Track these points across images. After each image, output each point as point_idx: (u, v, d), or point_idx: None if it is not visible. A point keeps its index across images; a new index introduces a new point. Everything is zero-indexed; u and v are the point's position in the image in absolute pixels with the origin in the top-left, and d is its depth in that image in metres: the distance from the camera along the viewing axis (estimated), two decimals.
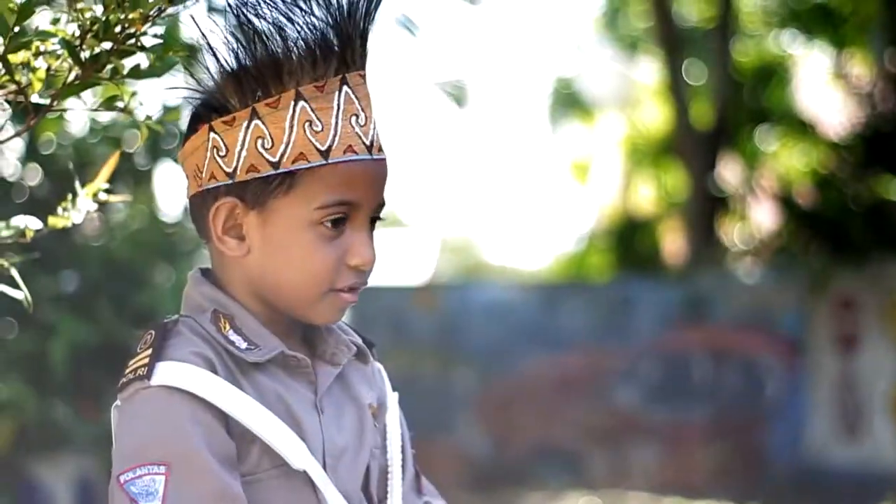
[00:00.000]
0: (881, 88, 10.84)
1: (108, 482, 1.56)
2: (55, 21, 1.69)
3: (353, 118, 1.61)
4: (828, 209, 10.23)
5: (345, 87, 1.61)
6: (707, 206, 11.63)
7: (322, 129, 1.59)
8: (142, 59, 1.70)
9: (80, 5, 1.64)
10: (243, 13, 1.60)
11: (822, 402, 9.73)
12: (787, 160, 12.39)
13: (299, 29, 1.60)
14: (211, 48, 1.61)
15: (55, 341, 5.82)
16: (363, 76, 1.64)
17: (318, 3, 1.60)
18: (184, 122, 1.69)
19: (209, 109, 1.63)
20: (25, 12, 1.62)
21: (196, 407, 1.54)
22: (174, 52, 1.68)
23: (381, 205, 1.66)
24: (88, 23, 1.64)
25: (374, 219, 1.66)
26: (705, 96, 12.57)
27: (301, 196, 1.60)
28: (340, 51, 1.61)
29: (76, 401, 5.99)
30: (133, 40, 1.65)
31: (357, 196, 1.62)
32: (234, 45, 1.61)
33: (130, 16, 1.62)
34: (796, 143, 12.25)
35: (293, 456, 1.59)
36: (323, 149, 1.59)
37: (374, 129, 1.64)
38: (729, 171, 12.29)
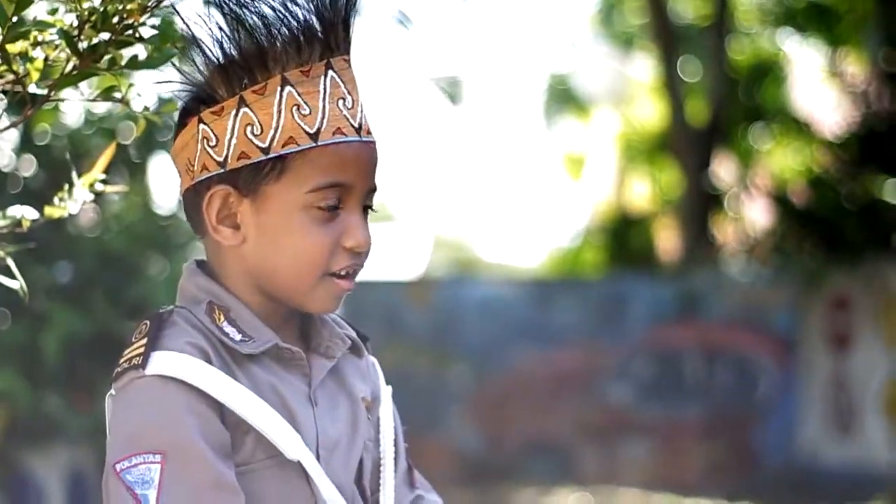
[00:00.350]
0: (876, 87, 10.85)
1: (101, 474, 1.56)
2: (53, 11, 1.69)
3: (340, 101, 1.62)
4: (822, 208, 10.24)
5: (330, 72, 1.62)
6: (701, 204, 11.63)
7: (310, 113, 1.60)
8: (140, 50, 1.70)
9: None
10: (226, 3, 1.60)
11: (814, 401, 9.74)
12: (782, 158, 12.41)
13: (282, 16, 1.60)
14: (196, 40, 1.62)
15: (48, 332, 5.82)
16: (348, 60, 1.65)
17: None
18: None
19: (198, 102, 1.64)
20: (23, 2, 1.62)
21: (191, 396, 1.55)
22: (172, 44, 1.68)
23: (373, 190, 1.66)
24: (86, 13, 1.64)
25: (365, 208, 1.66)
26: (700, 93, 12.58)
27: (293, 180, 1.60)
28: (324, 36, 1.62)
29: (69, 392, 5.99)
30: (131, 31, 1.65)
31: (348, 178, 1.62)
32: (219, 36, 1.61)
33: (128, 6, 1.62)
34: (791, 141, 12.26)
35: (287, 447, 1.59)
36: (312, 131, 1.60)
37: (362, 111, 1.65)
38: (723, 169, 12.30)
